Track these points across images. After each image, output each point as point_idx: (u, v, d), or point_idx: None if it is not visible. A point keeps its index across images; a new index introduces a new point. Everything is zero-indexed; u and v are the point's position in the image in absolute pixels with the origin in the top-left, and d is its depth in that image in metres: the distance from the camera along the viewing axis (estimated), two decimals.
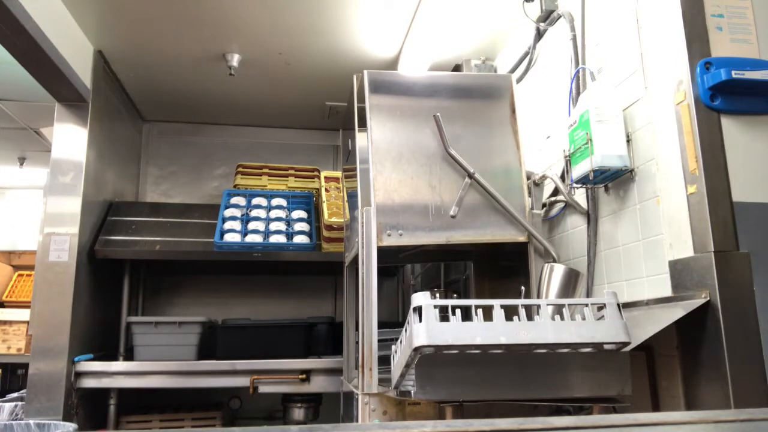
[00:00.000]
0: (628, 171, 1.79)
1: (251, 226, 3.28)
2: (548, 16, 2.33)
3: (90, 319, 2.98)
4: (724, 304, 1.41)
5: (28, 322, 4.37)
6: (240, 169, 3.75)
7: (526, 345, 1.40)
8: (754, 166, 1.53)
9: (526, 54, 2.56)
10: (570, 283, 1.81)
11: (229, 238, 3.14)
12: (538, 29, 2.43)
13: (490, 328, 1.38)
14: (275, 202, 3.50)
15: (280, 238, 3.24)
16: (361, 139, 2.11)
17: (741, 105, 1.55)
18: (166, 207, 3.61)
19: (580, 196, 2.09)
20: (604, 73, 1.98)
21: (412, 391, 1.45)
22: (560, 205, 2.24)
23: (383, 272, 2.23)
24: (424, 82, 2.16)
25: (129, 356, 3.12)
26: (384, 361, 1.74)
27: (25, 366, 2.79)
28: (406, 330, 1.46)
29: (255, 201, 3.48)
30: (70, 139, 2.95)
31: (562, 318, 1.41)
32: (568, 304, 1.44)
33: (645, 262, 1.73)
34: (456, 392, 1.45)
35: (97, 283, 3.08)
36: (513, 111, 2.12)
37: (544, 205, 2.31)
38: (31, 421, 1.97)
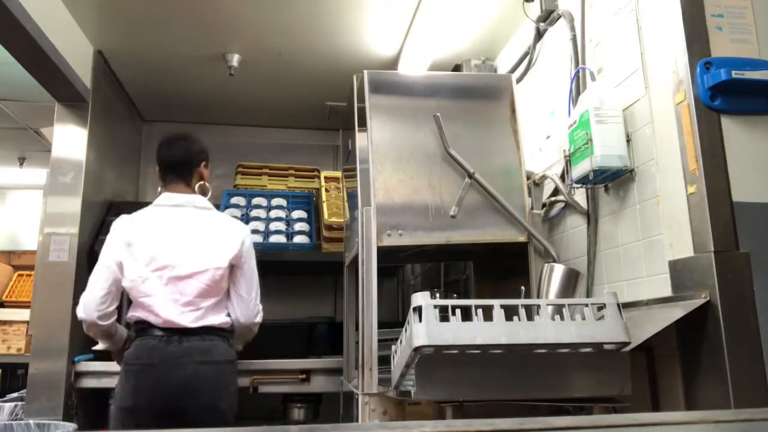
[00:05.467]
0: (628, 171, 1.79)
1: (251, 226, 3.28)
2: (548, 16, 2.33)
3: None
4: (724, 304, 1.41)
5: (28, 322, 4.37)
6: (240, 169, 3.75)
7: (526, 345, 1.40)
8: (754, 166, 1.53)
9: (526, 54, 2.56)
10: (570, 283, 1.81)
11: None
12: (538, 29, 2.43)
13: (490, 328, 1.38)
14: (275, 202, 3.50)
15: (280, 238, 3.24)
16: (361, 139, 2.11)
17: (741, 105, 1.55)
18: None
19: (580, 196, 2.09)
20: (604, 73, 1.98)
21: (412, 391, 1.45)
22: (560, 205, 2.24)
23: (383, 272, 2.22)
24: (424, 82, 2.16)
25: None
26: (384, 361, 1.74)
27: (25, 366, 2.79)
28: (406, 330, 1.46)
29: (255, 201, 3.48)
30: (70, 139, 2.95)
31: (562, 318, 1.41)
32: (568, 304, 1.44)
33: (645, 262, 1.73)
34: (456, 392, 1.45)
35: None
36: (513, 111, 2.12)
37: (544, 205, 2.30)
38: (31, 421, 1.96)
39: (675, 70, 1.60)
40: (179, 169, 2.25)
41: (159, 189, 2.30)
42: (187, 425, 1.97)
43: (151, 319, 2.03)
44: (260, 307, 2.26)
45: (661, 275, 1.64)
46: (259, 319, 2.25)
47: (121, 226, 2.16)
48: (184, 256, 2.09)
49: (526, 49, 2.55)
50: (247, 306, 2.19)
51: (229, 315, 2.16)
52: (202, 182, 2.31)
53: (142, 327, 2.06)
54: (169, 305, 2.04)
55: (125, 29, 2.90)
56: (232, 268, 2.17)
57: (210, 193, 2.37)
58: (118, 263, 2.10)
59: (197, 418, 1.96)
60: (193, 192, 2.27)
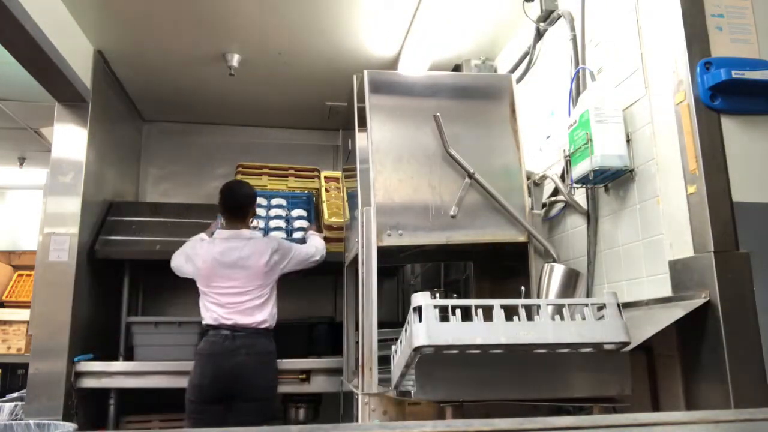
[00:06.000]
0: (628, 171, 1.79)
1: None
2: (548, 16, 2.33)
3: (90, 319, 2.98)
4: (724, 304, 1.41)
5: (28, 322, 4.37)
6: (240, 169, 3.74)
7: (526, 345, 1.40)
8: (754, 166, 1.53)
9: (526, 54, 2.56)
10: (570, 283, 1.81)
11: None
12: (538, 29, 2.43)
13: (490, 328, 1.38)
14: (275, 202, 3.49)
15: (280, 235, 3.23)
16: (361, 139, 2.11)
17: (741, 105, 1.55)
18: (166, 207, 3.60)
19: (580, 196, 2.09)
20: (604, 73, 1.98)
21: (412, 391, 1.45)
22: (560, 205, 2.24)
23: (383, 272, 2.23)
24: (424, 82, 2.16)
25: (129, 356, 3.12)
26: (384, 361, 1.74)
27: (25, 366, 2.79)
28: (406, 330, 1.46)
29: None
30: (70, 139, 2.95)
31: (562, 318, 1.41)
32: (568, 304, 1.44)
33: (645, 262, 1.73)
34: (456, 392, 1.45)
35: (97, 283, 3.08)
36: (513, 111, 2.12)
37: (544, 205, 2.30)
38: (31, 421, 1.97)
39: (675, 70, 1.60)
40: (239, 212, 2.85)
41: (221, 221, 2.95)
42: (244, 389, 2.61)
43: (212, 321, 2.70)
44: (312, 251, 2.96)
45: (661, 275, 1.64)
46: (318, 256, 2.97)
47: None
48: (233, 274, 2.72)
49: (526, 49, 2.55)
50: (311, 259, 2.93)
51: (267, 317, 2.74)
52: (251, 219, 2.98)
53: (209, 327, 2.70)
54: (223, 311, 2.68)
55: (125, 29, 2.90)
56: (275, 265, 2.80)
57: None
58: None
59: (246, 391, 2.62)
60: (247, 226, 2.89)
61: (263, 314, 2.72)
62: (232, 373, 2.59)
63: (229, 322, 2.65)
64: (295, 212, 3.41)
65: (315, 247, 2.99)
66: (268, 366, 2.70)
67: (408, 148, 2.01)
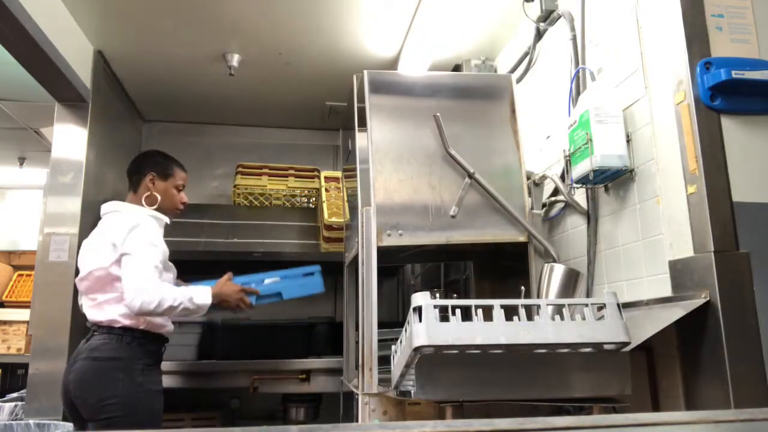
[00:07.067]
0: (628, 171, 1.79)
1: None
2: (548, 16, 2.33)
3: None
4: (724, 304, 1.41)
5: (28, 322, 4.37)
6: (240, 169, 3.75)
7: (526, 345, 1.40)
8: (754, 166, 1.53)
9: (526, 54, 2.56)
10: (570, 283, 1.81)
11: None
12: (538, 29, 2.43)
13: (490, 328, 1.38)
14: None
15: None
16: (361, 139, 2.11)
17: (741, 105, 1.55)
18: None
19: (580, 196, 2.09)
20: (604, 73, 1.98)
21: (412, 391, 1.45)
22: (560, 205, 2.24)
23: (383, 272, 2.23)
24: (424, 82, 2.16)
25: None
26: (384, 361, 1.74)
27: (25, 366, 2.79)
28: (406, 330, 1.46)
29: None
30: (70, 139, 2.95)
31: (562, 318, 1.41)
32: (568, 304, 1.44)
33: (645, 262, 1.73)
34: (456, 392, 1.45)
35: None
36: (513, 111, 2.12)
37: (544, 205, 2.31)
38: (31, 421, 1.97)
39: (675, 70, 1.60)
40: (129, 180, 2.42)
41: None
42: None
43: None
44: (137, 299, 2.02)
45: (661, 275, 1.64)
46: (138, 308, 2.03)
47: None
48: (83, 258, 2.26)
49: (526, 49, 2.55)
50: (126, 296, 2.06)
51: (119, 317, 2.11)
52: (148, 193, 2.35)
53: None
54: (81, 301, 2.27)
55: (125, 29, 2.90)
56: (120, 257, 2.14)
57: (158, 203, 2.37)
58: None
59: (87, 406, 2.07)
60: (140, 201, 2.34)
61: (116, 311, 2.09)
62: (70, 381, 2.10)
63: (88, 316, 2.18)
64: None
65: (137, 289, 2.04)
66: (103, 377, 2.03)
67: (408, 148, 2.01)
